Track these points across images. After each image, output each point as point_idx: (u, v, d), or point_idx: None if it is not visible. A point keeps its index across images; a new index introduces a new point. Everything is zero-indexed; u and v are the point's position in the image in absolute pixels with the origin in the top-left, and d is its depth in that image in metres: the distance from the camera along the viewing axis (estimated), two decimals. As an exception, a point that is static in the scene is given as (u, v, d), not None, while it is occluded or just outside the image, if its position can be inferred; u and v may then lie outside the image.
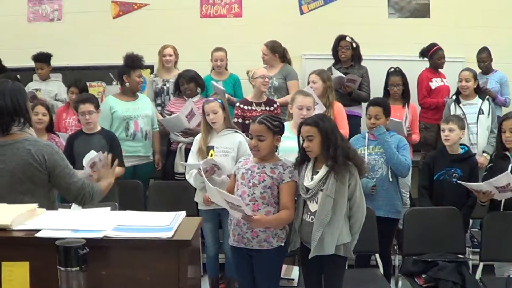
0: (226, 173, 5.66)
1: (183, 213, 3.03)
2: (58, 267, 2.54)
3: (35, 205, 3.15)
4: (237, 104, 7.14)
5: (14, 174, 3.68)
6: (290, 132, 5.60)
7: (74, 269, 2.52)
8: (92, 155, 5.44)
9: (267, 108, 7.00)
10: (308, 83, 6.95)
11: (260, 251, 4.83)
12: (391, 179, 5.97)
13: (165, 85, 8.08)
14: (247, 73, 7.25)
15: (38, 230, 2.82)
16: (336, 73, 7.63)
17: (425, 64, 8.25)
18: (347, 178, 4.68)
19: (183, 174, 6.51)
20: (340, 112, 6.78)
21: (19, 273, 2.74)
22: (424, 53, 8.21)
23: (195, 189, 6.10)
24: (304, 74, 8.43)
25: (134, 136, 7.04)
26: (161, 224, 2.85)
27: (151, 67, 8.85)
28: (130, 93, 7.19)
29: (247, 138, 5.24)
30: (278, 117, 5.42)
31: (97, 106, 6.32)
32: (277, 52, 8.05)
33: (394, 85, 7.42)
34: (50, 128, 6.73)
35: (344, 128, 6.50)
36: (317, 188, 4.70)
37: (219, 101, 5.97)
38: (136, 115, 7.08)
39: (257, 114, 6.63)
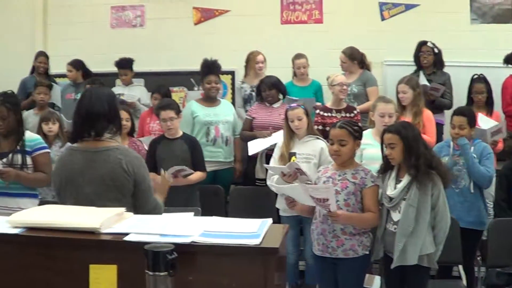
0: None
1: (270, 220, 3.01)
2: (146, 271, 2.53)
3: (123, 209, 3.18)
4: (317, 111, 7.10)
5: (104, 182, 3.67)
6: (373, 139, 5.54)
7: (162, 273, 2.51)
8: (178, 167, 5.62)
9: (347, 114, 6.95)
10: (398, 93, 6.82)
11: (346, 259, 4.78)
12: (472, 191, 5.84)
13: (253, 91, 8.04)
14: (327, 79, 7.21)
15: (126, 234, 2.83)
16: (421, 81, 7.49)
17: (510, 71, 8.02)
18: (429, 188, 4.61)
19: (264, 179, 6.50)
20: (429, 119, 6.65)
21: (106, 276, 2.76)
22: (508, 59, 7.98)
23: (276, 195, 6.08)
24: (385, 80, 8.37)
25: (215, 142, 7.08)
26: (248, 230, 2.83)
27: (232, 73, 8.90)
28: (211, 98, 7.22)
29: (328, 144, 5.21)
30: (357, 123, 5.36)
31: (178, 112, 6.35)
32: (355, 59, 7.98)
33: (478, 93, 7.28)
34: (131, 133, 6.82)
35: (432, 136, 6.39)
36: (400, 198, 4.65)
37: (303, 107, 5.96)
38: (217, 120, 7.12)
39: (337, 120, 6.57)
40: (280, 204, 6.01)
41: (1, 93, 5.33)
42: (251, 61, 8.33)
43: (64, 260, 2.89)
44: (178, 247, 2.57)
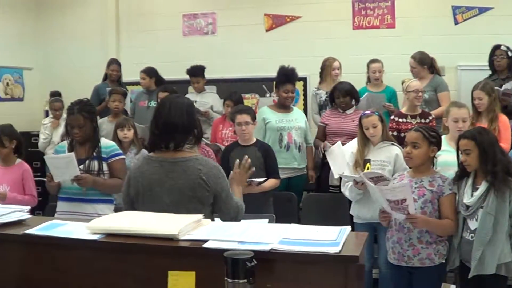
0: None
1: (348, 227, 2.97)
2: (225, 278, 2.52)
3: (201, 216, 3.18)
4: (392, 117, 7.03)
5: (183, 192, 3.69)
6: (448, 145, 5.42)
7: (241, 281, 2.50)
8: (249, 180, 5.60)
9: (422, 120, 6.84)
10: (474, 99, 6.68)
11: (422, 268, 4.73)
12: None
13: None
14: (402, 83, 7.12)
15: (205, 241, 2.83)
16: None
17: None
18: (507, 195, 4.50)
19: (338, 186, 6.46)
20: (504, 125, 6.48)
21: (185, 282, 2.76)
22: None
23: (350, 201, 6.03)
24: (460, 85, 8.25)
25: (288, 148, 7.06)
26: (327, 238, 2.79)
27: (304, 79, 8.88)
28: (285, 106, 7.21)
29: (403, 150, 5.15)
30: (436, 130, 5.26)
31: (254, 118, 6.35)
32: (425, 64, 7.86)
33: (555, 97, 7.08)
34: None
35: (507, 142, 6.25)
36: (477, 205, 4.55)
37: (377, 113, 5.89)
38: (289, 126, 7.11)
39: (412, 126, 6.46)
40: (354, 210, 5.95)
41: (77, 101, 5.41)
42: (327, 67, 8.28)
43: (143, 267, 2.91)
44: (257, 254, 2.56)
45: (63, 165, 5.14)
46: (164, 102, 3.97)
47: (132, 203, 3.85)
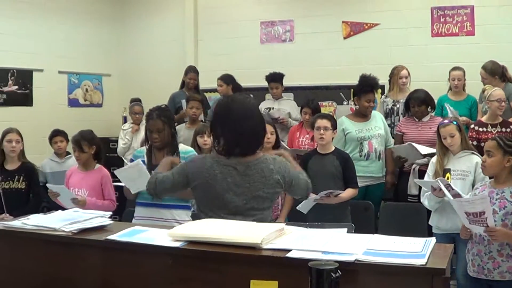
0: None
1: (433, 239, 2.93)
2: (309, 289, 2.52)
3: (283, 225, 3.17)
4: (472, 126, 6.90)
5: (258, 194, 3.70)
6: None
7: (325, 292, 2.49)
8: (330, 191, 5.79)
9: (503, 129, 6.68)
10: None
11: (502, 282, 4.63)
12: None
13: (395, 105, 7.95)
14: (483, 92, 6.99)
15: (288, 250, 2.82)
16: None
17: None
18: None
19: (416, 196, 6.39)
20: None
21: (267, 292, 2.76)
22: None
23: (429, 212, 5.95)
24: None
25: (368, 156, 6.99)
26: (412, 250, 2.76)
27: (382, 87, 8.80)
28: (364, 115, 7.15)
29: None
30: None
31: (334, 126, 6.30)
32: (496, 74, 7.67)
33: None
34: (276, 146, 6.78)
35: None
36: (559, 217, 4.43)
37: (455, 122, 5.80)
38: (370, 135, 7.03)
39: (493, 136, 6.34)
40: (433, 221, 5.86)
41: (156, 107, 5.46)
42: (394, 75, 8.20)
43: (225, 275, 2.91)
44: (341, 265, 2.53)
45: (135, 175, 5.18)
46: (232, 106, 3.87)
47: (183, 187, 3.92)
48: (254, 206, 3.67)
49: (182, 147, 5.49)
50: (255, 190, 3.68)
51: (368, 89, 7.07)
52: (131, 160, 5.51)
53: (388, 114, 8.07)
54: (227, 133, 3.77)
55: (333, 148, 6.31)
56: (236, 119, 3.76)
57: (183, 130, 7.91)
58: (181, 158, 5.32)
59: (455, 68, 8.01)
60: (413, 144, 6.73)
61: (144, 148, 5.49)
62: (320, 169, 6.14)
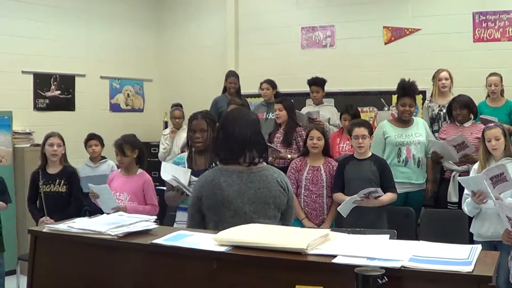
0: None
1: (479, 246, 2.91)
2: (355, 295, 2.52)
3: (328, 230, 3.17)
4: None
5: (265, 201, 3.81)
6: None
7: (371, 298, 2.49)
8: (372, 189, 5.87)
9: (547, 135, 6.64)
10: None
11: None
12: None
13: (441, 110, 7.86)
14: None
15: (334, 256, 2.82)
16: None
17: None
18: None
19: (456, 203, 6.37)
20: None
21: (312, 297, 2.77)
22: None
23: (470, 219, 5.92)
24: None
25: (406, 162, 6.97)
26: (458, 257, 2.74)
27: (423, 93, 8.77)
28: (404, 120, 7.13)
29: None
30: None
31: (371, 132, 6.33)
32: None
33: None
34: (326, 152, 6.76)
35: None
36: None
37: (501, 127, 5.77)
38: (409, 141, 7.01)
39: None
40: (474, 228, 5.83)
41: (200, 112, 5.48)
42: (435, 79, 8.17)
43: (270, 280, 2.91)
44: (387, 271, 2.53)
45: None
46: (236, 116, 4.06)
47: (202, 219, 3.95)
48: (262, 213, 3.76)
49: None
50: (261, 196, 3.81)
51: (402, 93, 7.13)
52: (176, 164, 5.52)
53: (434, 120, 8.00)
54: (230, 142, 3.90)
55: (370, 153, 6.35)
56: (236, 129, 3.92)
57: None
58: None
59: (492, 74, 7.96)
60: (447, 144, 6.69)
61: (185, 154, 5.48)
62: (357, 174, 6.17)
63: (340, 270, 2.72)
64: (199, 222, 3.94)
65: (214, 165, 5.31)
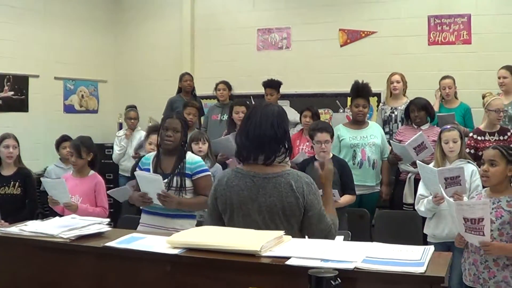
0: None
1: (432, 247, 2.93)
2: (308, 296, 2.51)
3: (282, 232, 3.15)
4: (470, 134, 6.91)
5: (273, 211, 3.47)
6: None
7: (325, 300, 2.48)
8: None
9: (501, 137, 6.71)
10: None
11: (498, 292, 4.62)
12: None
13: (393, 112, 7.97)
14: (483, 98, 6.99)
15: (287, 258, 2.81)
16: None
17: None
18: None
19: (412, 204, 6.40)
20: None
21: (267, 298, 2.76)
22: None
23: (424, 220, 5.97)
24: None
25: (361, 165, 6.99)
26: (411, 258, 2.76)
27: (378, 95, 8.83)
28: (358, 121, 7.17)
29: (479, 169, 5.07)
30: None
31: (332, 136, 6.35)
32: None
33: None
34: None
35: None
36: (556, 225, 4.44)
37: (458, 129, 5.86)
38: (363, 143, 7.05)
39: (490, 144, 6.33)
40: (429, 229, 5.87)
41: (175, 112, 5.43)
42: (387, 81, 8.25)
43: (223, 282, 2.91)
44: (341, 272, 2.53)
45: (150, 183, 5.15)
46: (254, 112, 3.72)
47: (220, 218, 3.67)
48: (272, 224, 3.45)
49: (190, 156, 5.41)
50: (270, 205, 3.48)
51: (355, 94, 7.20)
52: (139, 167, 5.44)
53: (386, 122, 8.10)
54: (243, 139, 3.64)
55: (331, 155, 6.33)
56: (251, 125, 3.62)
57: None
58: (186, 169, 5.28)
59: (445, 77, 8.09)
60: (408, 148, 6.73)
61: (152, 155, 5.44)
62: (317, 175, 6.14)
63: (294, 271, 2.72)
64: (217, 221, 3.68)
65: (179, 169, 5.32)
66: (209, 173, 5.47)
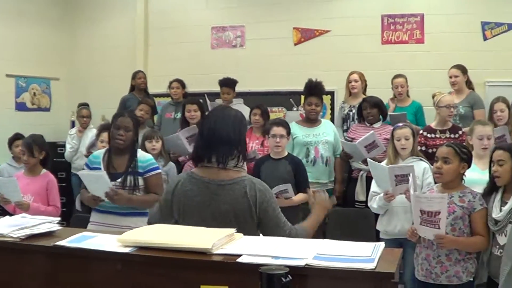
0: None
1: (382, 244, 2.94)
2: (259, 293, 2.50)
3: (233, 230, 3.15)
4: (420, 131, 6.97)
5: (226, 218, 3.44)
6: (473, 163, 5.38)
7: (276, 297, 2.48)
8: (282, 187, 5.72)
9: (452, 135, 6.78)
10: (495, 112, 6.72)
11: (449, 286, 4.69)
12: None
13: (351, 111, 8.03)
14: (433, 97, 7.07)
15: (239, 255, 2.80)
16: None
17: None
18: None
19: (364, 202, 6.45)
20: None
21: (217, 297, 2.75)
22: None
23: (376, 216, 6.01)
24: (488, 101, 8.16)
25: (314, 162, 7.02)
26: (362, 254, 2.77)
27: (331, 93, 8.88)
28: (311, 119, 7.21)
29: (431, 166, 5.13)
30: (467, 146, 5.21)
31: (289, 133, 6.36)
32: (466, 74, 7.84)
33: None
34: None
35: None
36: (506, 220, 4.50)
37: (410, 127, 5.92)
38: (316, 140, 7.08)
39: (441, 142, 6.42)
40: (381, 226, 5.92)
41: (127, 111, 5.41)
42: (346, 80, 8.33)
43: (175, 281, 2.88)
44: (292, 269, 2.53)
45: (96, 181, 5.10)
46: (211, 113, 3.78)
47: (170, 215, 3.64)
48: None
49: (141, 154, 5.39)
50: (223, 212, 3.47)
51: (308, 92, 7.25)
52: (86, 165, 5.39)
53: (344, 120, 8.19)
54: (198, 139, 3.67)
55: (286, 153, 6.36)
56: (207, 124, 3.64)
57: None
58: (138, 167, 5.26)
59: (397, 76, 8.20)
60: (359, 146, 6.77)
61: (101, 153, 5.38)
62: (272, 174, 6.16)
63: (245, 269, 2.71)
64: (166, 217, 3.65)
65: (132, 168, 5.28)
66: (160, 171, 5.47)
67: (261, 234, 3.50)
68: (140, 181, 5.23)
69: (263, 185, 3.59)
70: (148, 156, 5.48)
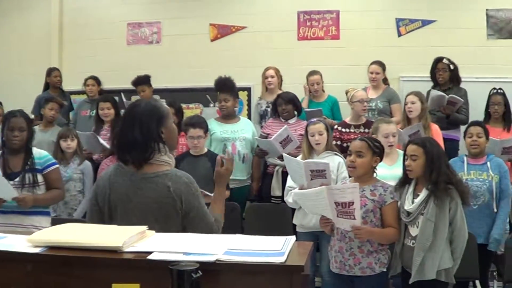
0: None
1: (293, 237, 2.97)
2: (170, 290, 2.50)
3: (145, 227, 3.13)
4: (335, 126, 7.07)
5: (150, 212, 3.36)
6: (380, 160, 5.50)
7: (187, 292, 2.48)
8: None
9: (366, 130, 6.89)
10: (406, 104, 6.88)
11: (362, 277, 4.77)
12: (495, 209, 5.85)
13: (269, 107, 8.03)
14: (346, 93, 7.17)
15: (149, 253, 2.79)
16: (437, 92, 7.45)
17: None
18: (447, 203, 4.59)
19: (280, 197, 6.51)
20: (437, 133, 6.67)
21: (129, 295, 2.73)
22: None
23: (293, 211, 6.07)
24: (402, 96, 8.34)
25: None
26: (272, 248, 2.79)
27: (248, 89, 8.92)
28: (228, 115, 7.22)
29: (345, 160, 5.21)
30: (379, 141, 5.30)
31: (206, 131, 6.37)
32: (385, 70, 7.97)
33: (495, 104, 7.24)
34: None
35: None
36: (418, 212, 4.63)
37: (324, 122, 5.98)
38: (234, 137, 7.11)
39: (356, 136, 6.50)
40: (297, 219, 5.98)
41: (17, 110, 5.36)
42: (262, 76, 8.37)
43: (86, 280, 2.84)
44: (202, 265, 2.54)
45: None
46: (123, 115, 3.64)
47: (100, 212, 3.52)
48: (149, 225, 3.18)
49: (36, 151, 5.37)
50: (145, 207, 3.37)
51: (217, 89, 7.38)
52: None
53: (262, 116, 8.23)
54: (114, 142, 3.54)
55: (206, 149, 6.38)
56: (117, 129, 3.56)
57: (37, 132, 7.66)
58: (36, 164, 5.21)
59: (312, 73, 8.28)
60: (274, 143, 6.81)
61: None
62: (191, 170, 6.08)
63: (156, 266, 2.70)
64: (97, 214, 3.53)
65: (29, 165, 5.20)
66: (58, 166, 5.50)
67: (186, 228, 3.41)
68: (39, 178, 5.23)
69: (189, 178, 3.51)
70: (44, 152, 5.46)
